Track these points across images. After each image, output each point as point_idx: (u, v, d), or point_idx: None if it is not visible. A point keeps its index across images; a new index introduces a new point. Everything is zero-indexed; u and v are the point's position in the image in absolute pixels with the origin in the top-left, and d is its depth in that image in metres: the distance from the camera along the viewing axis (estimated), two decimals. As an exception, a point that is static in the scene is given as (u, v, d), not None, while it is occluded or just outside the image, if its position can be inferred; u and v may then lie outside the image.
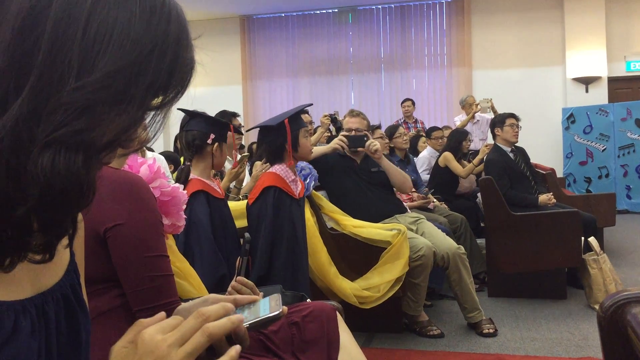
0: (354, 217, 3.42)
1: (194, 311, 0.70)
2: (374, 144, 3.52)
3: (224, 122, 2.56)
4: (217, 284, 2.26)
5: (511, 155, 4.51)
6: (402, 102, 8.13)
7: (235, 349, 0.68)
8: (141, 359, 0.66)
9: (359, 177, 3.65)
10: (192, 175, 2.46)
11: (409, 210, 3.92)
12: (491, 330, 3.35)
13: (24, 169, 0.55)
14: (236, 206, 3.17)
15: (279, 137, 2.63)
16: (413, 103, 8.10)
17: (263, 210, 2.56)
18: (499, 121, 4.60)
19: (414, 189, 4.73)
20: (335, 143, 3.56)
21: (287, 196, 2.61)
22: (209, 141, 2.45)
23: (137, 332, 0.69)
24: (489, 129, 7.56)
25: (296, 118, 2.70)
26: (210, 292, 1.99)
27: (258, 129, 2.80)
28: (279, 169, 2.66)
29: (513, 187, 4.32)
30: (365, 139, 3.55)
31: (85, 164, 0.57)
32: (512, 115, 4.60)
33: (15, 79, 0.55)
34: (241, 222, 3.19)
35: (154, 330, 0.67)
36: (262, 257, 2.51)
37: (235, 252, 2.51)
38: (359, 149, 3.57)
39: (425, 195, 4.67)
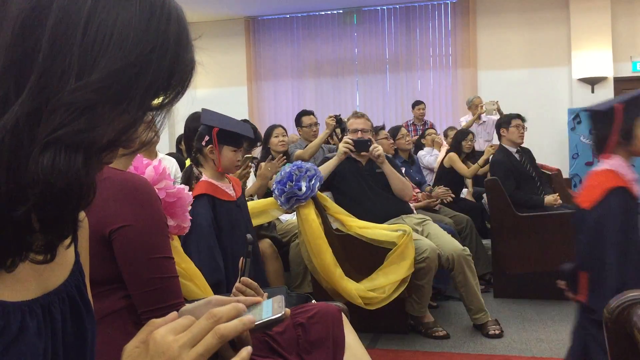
0: (360, 218, 3.43)
1: (197, 313, 0.70)
2: (377, 148, 3.56)
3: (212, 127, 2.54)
4: (213, 289, 2.27)
5: (517, 156, 4.50)
6: (417, 105, 8.07)
7: (247, 350, 0.68)
8: (152, 359, 0.66)
9: (363, 179, 3.65)
10: (203, 177, 2.50)
11: (414, 211, 3.92)
12: (497, 332, 3.34)
13: (24, 168, 0.55)
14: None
15: (606, 125, 2.18)
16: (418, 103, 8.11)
17: (608, 216, 2.10)
18: (505, 122, 4.59)
19: (418, 190, 4.73)
20: (342, 148, 3.58)
21: (632, 198, 2.17)
22: (203, 143, 2.49)
23: (149, 332, 0.69)
24: (495, 130, 7.59)
25: (637, 102, 2.21)
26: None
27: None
28: (615, 164, 2.15)
29: (519, 187, 4.31)
30: (369, 143, 3.57)
31: (86, 163, 0.57)
32: (518, 116, 4.59)
33: (16, 79, 0.55)
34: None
35: (166, 330, 0.67)
36: (614, 270, 2.08)
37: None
38: (363, 152, 3.60)
39: (429, 193, 4.65)
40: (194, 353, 0.65)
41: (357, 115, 3.87)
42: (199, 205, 2.38)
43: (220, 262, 2.41)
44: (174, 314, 0.73)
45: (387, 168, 3.65)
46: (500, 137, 4.64)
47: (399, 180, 3.69)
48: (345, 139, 3.66)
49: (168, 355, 0.65)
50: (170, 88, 0.63)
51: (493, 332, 3.35)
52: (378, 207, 3.59)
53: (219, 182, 2.51)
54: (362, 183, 3.63)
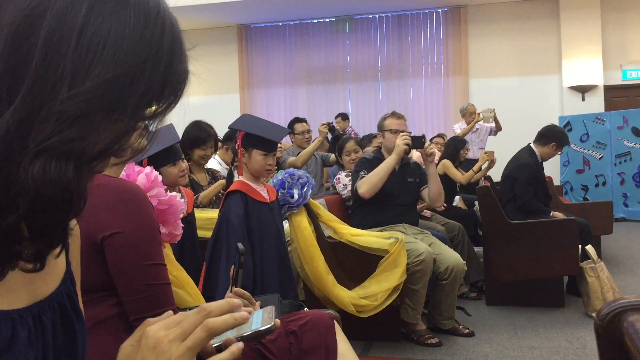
0: (374, 214, 3.49)
1: None
2: (431, 146, 3.52)
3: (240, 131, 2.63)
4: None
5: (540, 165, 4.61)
6: (335, 118, 8.06)
7: (237, 346, 0.68)
8: (143, 354, 0.66)
9: (397, 184, 3.64)
10: (239, 178, 2.60)
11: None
12: (467, 330, 3.48)
13: (14, 177, 0.54)
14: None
15: None
16: (344, 118, 8.05)
17: None
18: (559, 139, 4.57)
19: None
20: (401, 143, 3.46)
21: None
22: (236, 147, 2.60)
23: (145, 330, 0.70)
24: (489, 136, 7.62)
25: None
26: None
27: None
28: None
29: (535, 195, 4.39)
30: (423, 140, 3.53)
31: (77, 172, 0.57)
32: (568, 145, 4.78)
33: (8, 87, 0.55)
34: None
35: (158, 326, 0.68)
36: None
37: (279, 258, 2.56)
38: (418, 150, 3.52)
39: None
40: (183, 346, 0.65)
41: (397, 115, 3.78)
42: (232, 201, 2.45)
43: (249, 262, 2.41)
44: (169, 312, 0.73)
45: (433, 169, 3.60)
46: (543, 143, 4.58)
47: (438, 184, 3.64)
48: (403, 134, 3.52)
49: (158, 349, 0.65)
50: (164, 98, 0.63)
51: (465, 330, 3.48)
52: (399, 212, 3.63)
53: (254, 184, 2.57)
54: (394, 187, 3.61)
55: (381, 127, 3.77)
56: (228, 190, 2.49)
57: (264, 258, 2.51)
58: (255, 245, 2.48)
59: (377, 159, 3.69)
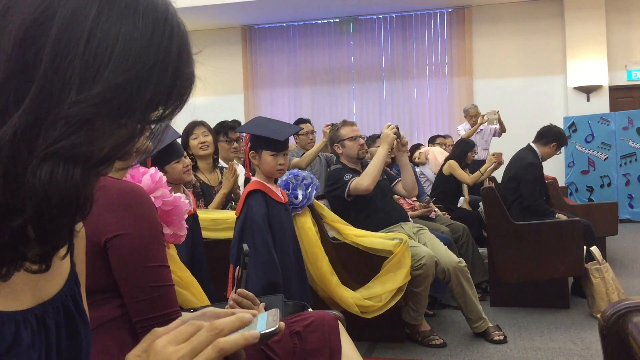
0: (363, 223, 3.44)
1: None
2: (403, 136, 3.57)
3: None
4: (267, 290, 2.26)
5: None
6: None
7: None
8: None
9: (378, 185, 3.63)
10: (254, 178, 2.61)
11: (410, 219, 3.92)
12: (501, 337, 3.37)
13: (21, 180, 0.55)
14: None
15: None
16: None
17: None
18: (560, 139, 4.61)
19: (415, 198, 4.73)
20: (391, 133, 3.47)
21: None
22: (247, 148, 2.61)
23: (151, 341, 0.69)
24: (493, 137, 7.61)
25: None
26: (261, 294, 1.98)
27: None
28: None
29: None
30: (398, 130, 3.58)
31: (84, 176, 0.57)
32: (567, 145, 4.94)
33: (16, 90, 0.55)
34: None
35: (167, 340, 0.67)
36: None
37: (291, 260, 2.57)
38: (397, 139, 3.54)
39: (426, 203, 4.67)
40: None
41: (350, 123, 3.81)
42: (253, 200, 2.45)
43: (277, 261, 2.41)
44: (177, 322, 0.72)
45: (406, 159, 3.64)
46: (543, 144, 4.59)
47: (411, 174, 3.68)
48: (390, 124, 3.56)
49: None
50: (170, 102, 0.63)
51: (498, 337, 3.36)
52: (382, 212, 3.61)
53: (269, 184, 2.58)
54: (376, 189, 3.59)
55: (338, 138, 3.74)
56: (249, 190, 2.49)
57: (285, 258, 2.51)
58: (276, 245, 2.48)
59: (347, 167, 3.68)
